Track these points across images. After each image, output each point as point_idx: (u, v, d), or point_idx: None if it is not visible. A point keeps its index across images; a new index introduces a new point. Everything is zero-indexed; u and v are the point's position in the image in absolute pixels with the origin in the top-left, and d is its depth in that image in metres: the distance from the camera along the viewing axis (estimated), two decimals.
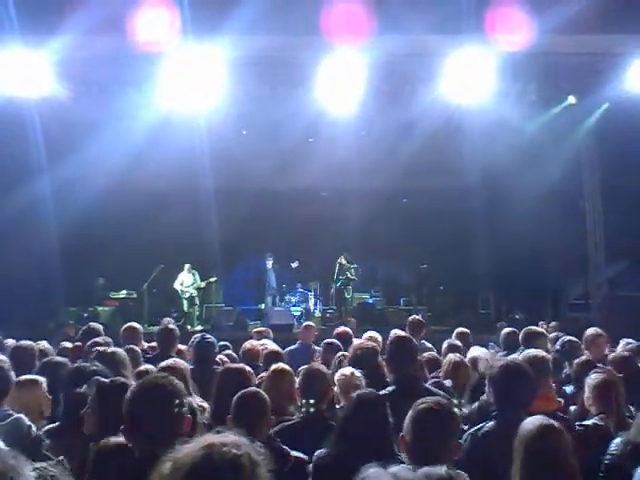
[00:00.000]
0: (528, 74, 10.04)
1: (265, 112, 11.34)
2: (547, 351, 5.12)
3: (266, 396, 3.24)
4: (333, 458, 3.03)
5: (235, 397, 3.21)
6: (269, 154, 12.98)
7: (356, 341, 5.44)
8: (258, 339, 6.49)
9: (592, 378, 3.85)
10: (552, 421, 2.66)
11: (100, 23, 8.10)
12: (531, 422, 2.68)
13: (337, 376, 4.08)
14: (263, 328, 7.76)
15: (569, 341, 5.61)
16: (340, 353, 4.96)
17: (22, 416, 3.39)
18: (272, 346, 5.77)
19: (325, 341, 5.74)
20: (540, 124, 11.82)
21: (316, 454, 3.11)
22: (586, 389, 3.89)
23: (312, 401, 3.56)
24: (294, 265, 14.12)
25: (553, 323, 9.05)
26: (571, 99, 11.13)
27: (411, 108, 10.64)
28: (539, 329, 5.89)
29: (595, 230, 13.16)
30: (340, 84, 9.79)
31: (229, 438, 1.58)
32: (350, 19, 8.57)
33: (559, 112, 11.48)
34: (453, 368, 4.62)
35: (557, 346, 5.63)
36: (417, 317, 7.02)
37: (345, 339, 5.73)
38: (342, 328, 6.42)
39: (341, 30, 8.61)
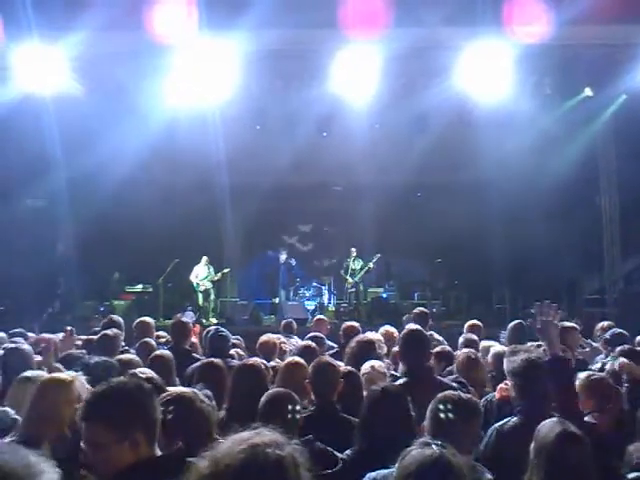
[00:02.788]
0: (544, 66, 9.95)
1: (279, 106, 11.31)
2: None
3: (297, 398, 3.16)
4: (359, 454, 3.01)
5: (264, 397, 3.15)
6: (283, 148, 12.95)
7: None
8: (286, 335, 6.50)
9: (580, 379, 3.66)
10: (573, 428, 2.54)
11: (115, 18, 8.14)
12: (550, 428, 2.55)
13: (363, 370, 4.10)
14: (287, 321, 7.52)
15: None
16: None
17: (7, 409, 3.42)
18: (300, 342, 5.69)
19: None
20: (556, 117, 11.69)
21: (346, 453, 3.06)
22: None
23: (309, 408, 3.52)
24: (293, 262, 14.10)
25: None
26: (588, 91, 11.00)
27: (426, 101, 10.55)
28: (571, 324, 5.74)
29: (611, 225, 13.05)
30: (355, 77, 9.77)
31: (270, 437, 1.52)
32: (365, 11, 8.54)
33: (575, 105, 11.35)
34: (467, 364, 4.50)
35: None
36: (421, 308, 6.95)
37: (351, 335, 5.46)
38: (349, 323, 6.27)
39: (356, 23, 8.59)
